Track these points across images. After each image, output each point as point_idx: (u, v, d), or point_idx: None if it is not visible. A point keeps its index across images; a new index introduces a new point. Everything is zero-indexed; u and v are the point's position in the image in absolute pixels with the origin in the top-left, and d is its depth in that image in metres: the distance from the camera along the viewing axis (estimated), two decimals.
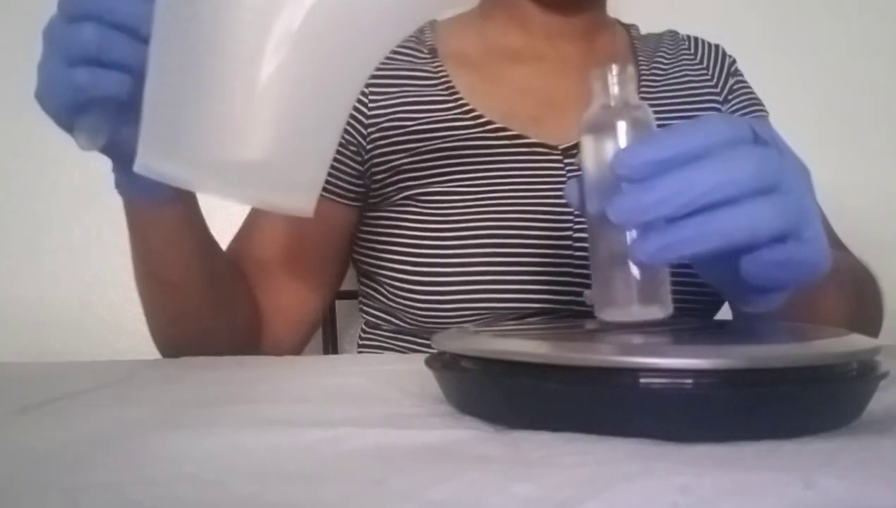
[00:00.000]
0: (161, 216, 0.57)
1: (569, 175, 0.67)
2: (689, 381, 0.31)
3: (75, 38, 0.43)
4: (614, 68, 0.41)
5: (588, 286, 0.63)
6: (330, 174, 0.70)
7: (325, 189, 0.70)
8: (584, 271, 0.63)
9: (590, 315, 0.63)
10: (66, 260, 1.09)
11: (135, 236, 0.59)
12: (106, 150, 0.49)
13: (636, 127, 0.40)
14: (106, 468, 0.29)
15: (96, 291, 1.10)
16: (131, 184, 0.54)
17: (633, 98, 0.41)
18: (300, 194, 0.43)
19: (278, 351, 0.72)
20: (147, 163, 0.41)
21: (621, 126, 0.40)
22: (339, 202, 0.72)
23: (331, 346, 1.00)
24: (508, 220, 0.65)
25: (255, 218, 0.74)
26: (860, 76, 1.18)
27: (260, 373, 0.52)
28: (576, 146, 0.68)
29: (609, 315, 0.41)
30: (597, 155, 0.41)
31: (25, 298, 1.09)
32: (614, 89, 0.41)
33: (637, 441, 0.30)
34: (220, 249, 0.66)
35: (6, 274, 1.09)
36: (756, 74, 0.81)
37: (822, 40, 1.18)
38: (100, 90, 0.44)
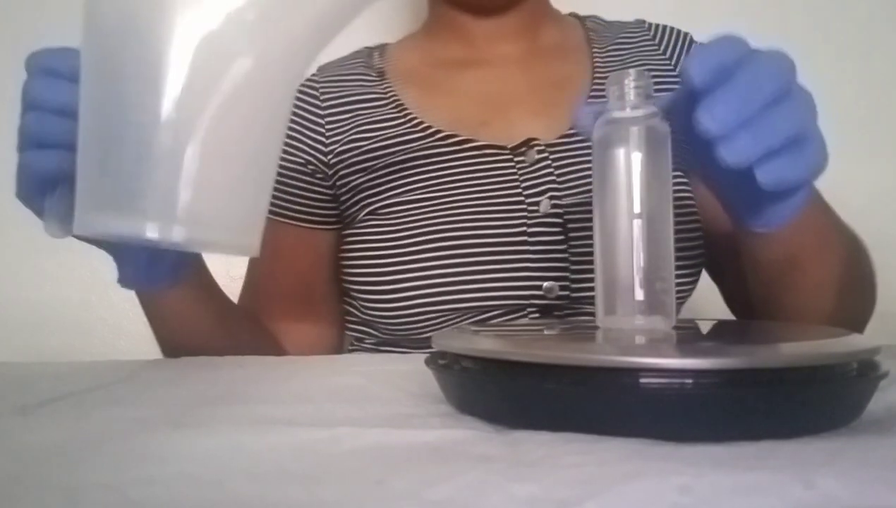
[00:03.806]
0: (170, 303, 0.61)
1: (520, 172, 0.68)
2: (689, 381, 0.31)
3: (22, 127, 0.50)
4: (631, 74, 0.40)
5: (548, 279, 0.65)
6: (305, 204, 0.74)
7: (305, 219, 0.75)
8: (542, 264, 0.66)
9: (553, 307, 0.64)
10: (66, 260, 1.09)
11: (149, 320, 0.63)
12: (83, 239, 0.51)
13: (650, 135, 0.40)
14: (106, 468, 0.29)
15: (96, 291, 1.10)
16: (128, 277, 0.57)
17: (650, 106, 0.40)
18: (240, 235, 0.45)
19: None
20: (86, 222, 0.42)
21: (634, 133, 0.40)
22: (319, 229, 0.75)
23: None
24: (464, 221, 0.66)
25: (250, 269, 0.79)
26: (859, 75, 1.18)
27: (260, 373, 0.53)
28: (524, 143, 0.69)
29: (612, 324, 0.40)
30: (609, 161, 0.40)
31: (25, 298, 1.09)
32: (630, 96, 0.40)
33: (637, 441, 0.30)
34: (236, 309, 0.71)
35: (6, 274, 1.09)
36: None
37: (821, 40, 1.18)
38: (42, 167, 0.49)
